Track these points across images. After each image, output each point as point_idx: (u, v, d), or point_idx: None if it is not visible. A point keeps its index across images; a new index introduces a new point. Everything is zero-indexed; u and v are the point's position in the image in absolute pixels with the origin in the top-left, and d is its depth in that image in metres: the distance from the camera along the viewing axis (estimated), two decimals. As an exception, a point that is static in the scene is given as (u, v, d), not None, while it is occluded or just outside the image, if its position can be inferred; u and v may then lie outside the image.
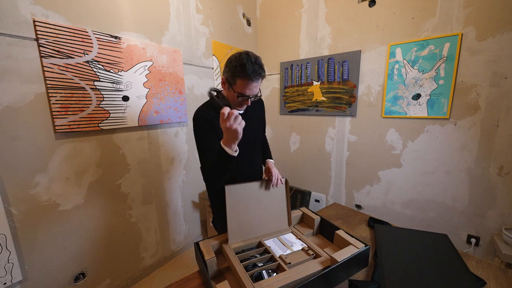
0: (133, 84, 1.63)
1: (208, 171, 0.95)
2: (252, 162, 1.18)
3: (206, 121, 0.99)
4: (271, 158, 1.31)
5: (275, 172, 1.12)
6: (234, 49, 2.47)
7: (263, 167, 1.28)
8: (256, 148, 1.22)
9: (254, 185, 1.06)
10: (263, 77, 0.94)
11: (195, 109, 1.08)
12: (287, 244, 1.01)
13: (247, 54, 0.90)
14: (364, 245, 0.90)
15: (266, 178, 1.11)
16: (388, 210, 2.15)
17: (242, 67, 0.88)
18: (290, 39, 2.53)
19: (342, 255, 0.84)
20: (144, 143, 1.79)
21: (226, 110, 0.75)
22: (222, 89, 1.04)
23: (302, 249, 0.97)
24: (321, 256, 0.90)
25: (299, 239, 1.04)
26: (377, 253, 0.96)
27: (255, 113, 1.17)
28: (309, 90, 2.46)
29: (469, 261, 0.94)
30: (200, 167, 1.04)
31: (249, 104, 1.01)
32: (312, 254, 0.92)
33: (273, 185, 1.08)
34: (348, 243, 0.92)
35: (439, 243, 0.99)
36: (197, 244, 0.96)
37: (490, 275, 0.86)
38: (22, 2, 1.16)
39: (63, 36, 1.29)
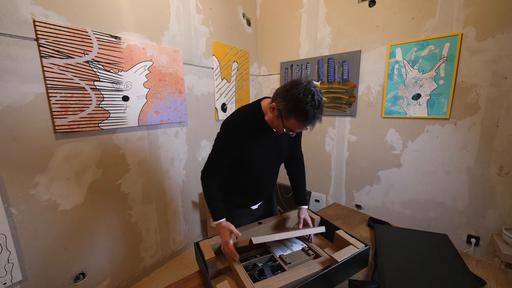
0: (133, 84, 1.63)
1: (203, 188, 1.01)
2: (270, 175, 1.13)
3: (235, 136, 0.94)
4: (305, 201, 1.14)
5: (311, 230, 1.02)
6: (234, 49, 2.47)
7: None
8: (278, 164, 1.14)
9: (278, 236, 0.95)
10: (319, 119, 0.83)
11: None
12: (287, 244, 1.01)
13: (312, 96, 0.77)
14: (364, 245, 0.90)
15: (299, 227, 1.05)
16: (388, 210, 2.15)
17: (303, 113, 0.78)
18: (290, 39, 2.53)
19: (342, 255, 0.84)
20: (144, 143, 1.79)
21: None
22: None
23: (302, 249, 0.97)
24: (321, 256, 0.90)
25: (299, 239, 1.04)
26: (377, 253, 0.96)
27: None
28: (309, 90, 2.45)
29: (469, 261, 0.94)
30: (202, 170, 1.02)
31: (293, 135, 0.95)
32: (312, 254, 0.92)
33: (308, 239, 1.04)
34: (348, 243, 0.93)
35: (439, 243, 0.99)
36: (197, 244, 0.96)
37: (490, 275, 0.86)
38: (22, 2, 1.16)
39: (63, 36, 1.29)
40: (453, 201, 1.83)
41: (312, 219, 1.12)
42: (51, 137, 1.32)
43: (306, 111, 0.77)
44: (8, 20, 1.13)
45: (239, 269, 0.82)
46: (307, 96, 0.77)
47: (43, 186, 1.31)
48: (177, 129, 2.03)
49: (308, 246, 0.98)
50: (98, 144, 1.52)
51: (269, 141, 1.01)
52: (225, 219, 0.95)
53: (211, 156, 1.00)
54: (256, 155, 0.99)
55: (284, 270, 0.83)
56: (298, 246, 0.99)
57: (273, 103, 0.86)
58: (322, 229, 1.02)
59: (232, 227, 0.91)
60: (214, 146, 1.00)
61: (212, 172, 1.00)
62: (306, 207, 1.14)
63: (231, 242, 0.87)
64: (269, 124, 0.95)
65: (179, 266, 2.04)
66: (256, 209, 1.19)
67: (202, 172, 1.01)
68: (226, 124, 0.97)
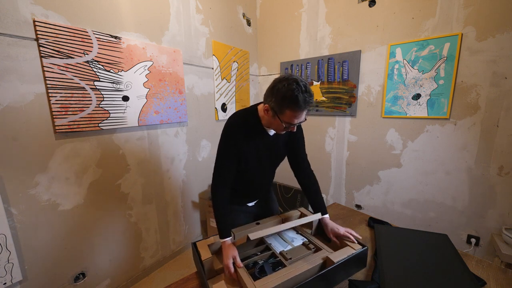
0: (133, 84, 1.63)
1: (213, 201, 1.00)
2: (265, 177, 1.15)
3: (233, 137, 0.96)
4: (325, 208, 1.09)
5: (343, 229, 0.98)
6: (234, 49, 2.47)
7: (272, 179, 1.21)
8: (273, 167, 1.15)
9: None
10: (312, 104, 0.88)
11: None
12: (288, 239, 1.01)
13: (296, 83, 0.81)
14: (361, 247, 0.90)
15: (337, 240, 0.99)
16: (388, 210, 2.15)
17: (293, 99, 0.81)
18: (290, 39, 2.53)
19: (338, 256, 0.84)
20: (144, 143, 1.79)
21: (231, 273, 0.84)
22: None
23: (303, 243, 0.98)
24: (321, 249, 0.91)
25: (300, 234, 1.05)
26: (377, 253, 0.96)
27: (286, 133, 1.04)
28: (309, 90, 2.45)
29: (469, 261, 0.94)
30: (211, 183, 1.02)
31: (294, 130, 0.94)
32: (313, 248, 0.93)
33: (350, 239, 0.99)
34: (345, 245, 0.93)
35: (439, 243, 0.99)
36: (194, 244, 0.96)
37: (490, 275, 0.86)
38: (22, 2, 1.16)
39: (63, 36, 1.29)
40: (453, 201, 1.83)
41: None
42: (51, 137, 1.32)
43: (296, 96, 0.81)
44: (8, 20, 1.13)
45: (240, 268, 0.82)
46: (291, 84, 0.82)
47: (43, 186, 1.31)
48: (177, 129, 2.03)
49: (309, 240, 0.98)
50: (98, 144, 1.52)
51: (265, 144, 1.02)
52: (230, 238, 0.93)
53: (215, 164, 1.01)
54: (251, 156, 1.00)
55: (284, 266, 0.84)
56: (299, 241, 1.00)
57: (266, 105, 0.90)
58: (318, 215, 1.02)
59: (236, 253, 0.87)
60: (217, 153, 1.01)
61: (219, 178, 0.99)
62: (327, 216, 1.08)
63: (232, 268, 0.84)
64: (267, 127, 0.97)
65: (179, 266, 2.04)
66: (252, 206, 1.21)
67: (211, 183, 1.01)
68: (224, 127, 0.99)
